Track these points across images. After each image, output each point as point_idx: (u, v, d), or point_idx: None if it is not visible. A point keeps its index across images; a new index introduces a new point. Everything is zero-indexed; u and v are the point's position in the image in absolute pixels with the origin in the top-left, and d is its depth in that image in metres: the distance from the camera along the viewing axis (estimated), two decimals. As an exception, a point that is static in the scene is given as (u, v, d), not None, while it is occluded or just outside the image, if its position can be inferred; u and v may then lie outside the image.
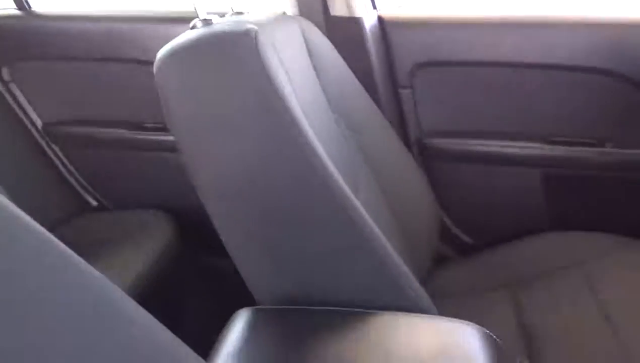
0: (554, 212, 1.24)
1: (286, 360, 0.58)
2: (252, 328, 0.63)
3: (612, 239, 1.12)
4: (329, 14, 1.11)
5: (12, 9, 1.36)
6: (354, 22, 1.11)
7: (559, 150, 1.21)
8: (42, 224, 0.32)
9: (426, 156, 1.28)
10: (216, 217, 0.68)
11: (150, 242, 1.20)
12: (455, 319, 0.62)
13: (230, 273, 0.75)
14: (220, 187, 0.66)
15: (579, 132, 1.20)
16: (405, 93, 1.24)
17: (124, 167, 1.41)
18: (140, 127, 1.38)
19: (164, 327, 0.39)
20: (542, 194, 1.24)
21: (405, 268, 0.67)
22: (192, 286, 1.29)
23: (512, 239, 1.22)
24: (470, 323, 0.62)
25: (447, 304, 1.08)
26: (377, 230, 0.65)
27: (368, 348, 0.58)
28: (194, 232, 1.18)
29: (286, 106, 0.61)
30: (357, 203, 0.65)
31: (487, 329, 0.96)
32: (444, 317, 0.64)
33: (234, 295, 0.73)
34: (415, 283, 0.68)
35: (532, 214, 1.26)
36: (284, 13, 1.07)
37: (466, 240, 1.33)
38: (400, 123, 1.27)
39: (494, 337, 0.61)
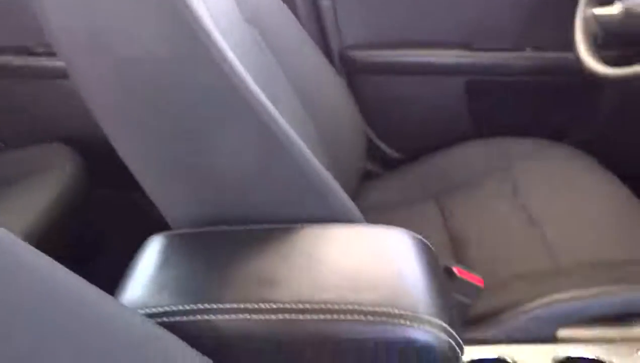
0: (478, 119, 1.24)
1: (205, 284, 0.52)
2: (166, 254, 0.57)
3: (534, 143, 1.13)
4: None
5: None
6: None
7: (482, 57, 1.19)
8: None
9: (349, 69, 1.22)
10: (119, 143, 0.60)
11: (52, 179, 1.08)
12: (385, 226, 0.59)
13: (144, 205, 0.67)
14: (118, 107, 0.57)
15: (501, 38, 1.19)
16: (325, 4, 1.18)
17: (15, 99, 1.26)
18: (29, 52, 1.22)
19: (64, 269, 0.33)
20: (466, 102, 1.23)
21: (331, 180, 0.62)
22: (103, 222, 1.20)
23: (437, 150, 1.21)
24: (401, 228, 0.58)
25: (375, 218, 1.06)
26: (299, 140, 0.59)
27: (296, 262, 0.53)
28: (101, 164, 1.07)
29: (192, 13, 0.51)
30: (276, 112, 0.58)
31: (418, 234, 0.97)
32: (374, 225, 0.60)
33: (150, 229, 0.65)
34: (343, 195, 0.64)
35: (457, 123, 1.25)
36: None
37: (393, 154, 1.31)
38: (320, 35, 1.21)
39: (425, 240, 0.58)
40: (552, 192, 1.00)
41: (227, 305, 0.48)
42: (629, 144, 1.24)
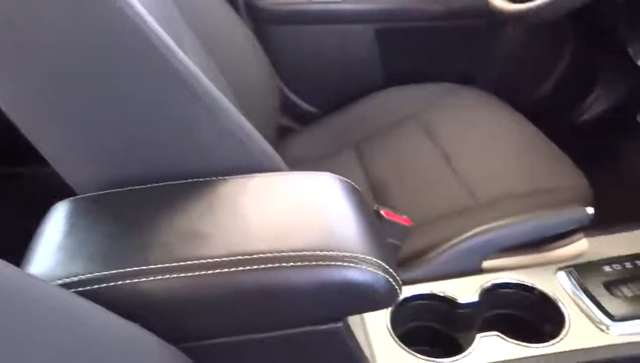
0: (390, 67, 1.24)
1: (124, 247, 0.47)
2: (75, 219, 0.51)
3: (446, 87, 1.15)
4: None
5: None
6: None
7: (391, 3, 1.19)
8: None
9: (257, 20, 1.17)
10: (8, 107, 0.52)
11: None
12: (312, 172, 0.56)
13: (44, 178, 0.60)
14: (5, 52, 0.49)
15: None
16: (227, -50, 1.10)
17: None
18: None
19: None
20: (377, 51, 1.22)
21: (250, 127, 0.59)
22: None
23: (352, 101, 1.20)
24: (327, 173, 0.56)
25: (297, 169, 1.04)
26: (211, 86, 0.54)
27: (224, 215, 0.50)
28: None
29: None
30: (185, 57, 0.53)
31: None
32: (299, 172, 0.57)
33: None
34: (265, 142, 0.61)
35: (370, 73, 1.25)
36: None
37: (308, 109, 1.28)
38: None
39: (353, 183, 0.56)
40: (465, 132, 1.03)
41: (152, 267, 0.44)
42: (526, 81, 1.31)
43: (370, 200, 0.92)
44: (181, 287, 0.44)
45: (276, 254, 0.45)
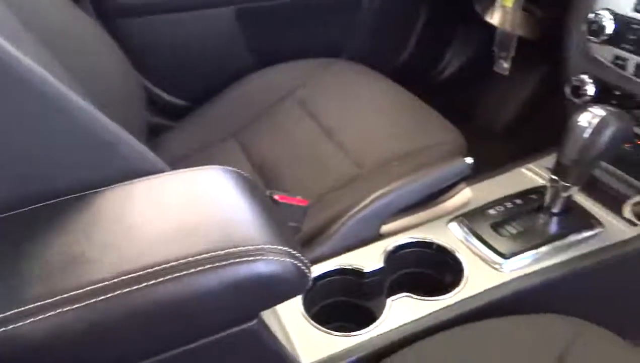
0: (257, 49, 1.21)
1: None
2: None
3: (316, 62, 1.15)
4: None
5: None
6: None
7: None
8: None
9: (105, 14, 1.07)
10: None
11: None
12: (197, 168, 0.53)
13: None
14: None
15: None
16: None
17: None
18: None
19: None
20: (240, 33, 1.18)
21: (121, 130, 0.53)
22: None
23: (223, 88, 1.16)
24: (212, 166, 0.53)
25: (177, 167, 0.99)
26: (66, 90, 0.48)
27: (107, 231, 0.44)
28: None
29: None
30: (30, 61, 0.46)
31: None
32: (182, 170, 0.53)
33: None
34: (138, 145, 0.55)
35: (238, 57, 1.21)
36: None
37: (179, 103, 1.21)
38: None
39: (241, 171, 0.54)
40: (342, 104, 1.04)
41: (31, 306, 0.38)
42: (389, 47, 1.35)
43: (261, 186, 0.90)
44: (71, 322, 0.38)
45: (173, 264, 0.41)
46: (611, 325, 0.57)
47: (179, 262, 0.41)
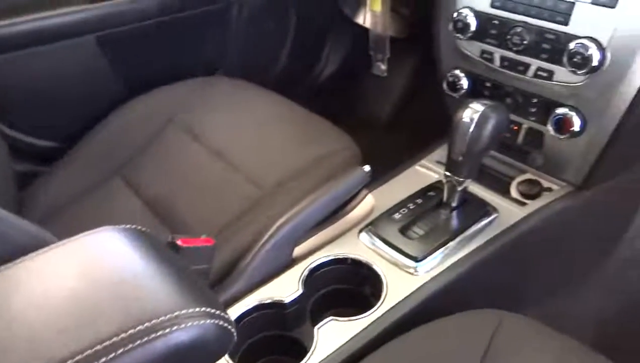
0: (128, 76, 1.13)
1: None
2: None
3: (194, 82, 1.10)
4: None
5: None
6: None
7: (104, 8, 1.07)
8: None
9: None
10: None
11: None
12: (86, 233, 0.47)
13: None
14: None
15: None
16: None
17: None
18: None
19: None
20: (106, 62, 1.10)
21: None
22: None
23: (96, 123, 1.07)
24: (103, 229, 0.48)
25: (60, 218, 0.90)
26: None
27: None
28: None
29: None
30: None
31: (119, 221, 0.86)
32: (69, 239, 0.47)
33: None
34: (10, 216, 0.49)
35: (106, 87, 1.12)
36: None
37: (48, 145, 1.10)
38: None
39: (134, 227, 0.49)
40: (228, 123, 1.00)
41: None
42: (265, 58, 1.34)
43: (157, 225, 0.84)
44: None
45: (79, 357, 0.36)
46: (521, 307, 0.60)
47: (85, 353, 0.36)
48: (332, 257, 0.69)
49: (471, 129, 0.66)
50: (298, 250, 0.71)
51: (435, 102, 0.89)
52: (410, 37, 1.13)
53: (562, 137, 0.72)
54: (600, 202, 0.79)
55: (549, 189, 0.79)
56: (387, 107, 1.42)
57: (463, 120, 0.66)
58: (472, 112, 0.66)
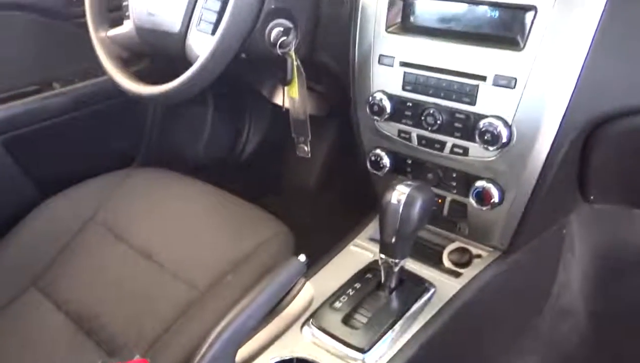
0: (38, 177, 1.07)
1: None
2: None
3: (112, 177, 1.06)
4: None
5: None
6: None
7: (10, 109, 1.02)
8: None
9: None
10: None
11: None
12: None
13: None
14: None
15: (17, 82, 1.04)
16: None
17: None
18: None
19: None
20: (12, 164, 1.04)
21: None
22: None
23: (7, 230, 1.00)
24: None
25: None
26: None
27: None
28: None
29: None
30: None
31: (38, 340, 0.79)
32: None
33: None
34: None
35: (15, 192, 1.06)
36: None
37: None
38: None
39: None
40: (152, 218, 0.96)
41: None
42: (184, 143, 1.32)
43: (85, 345, 0.78)
44: None
45: None
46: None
47: None
48: (278, 359, 0.66)
49: (400, 212, 0.67)
50: (241, 354, 0.67)
51: (358, 174, 0.90)
52: (329, 113, 1.16)
53: (484, 208, 0.75)
54: (526, 263, 0.83)
55: (479, 256, 0.81)
56: (313, 176, 1.43)
57: (391, 203, 0.67)
58: (398, 194, 0.68)
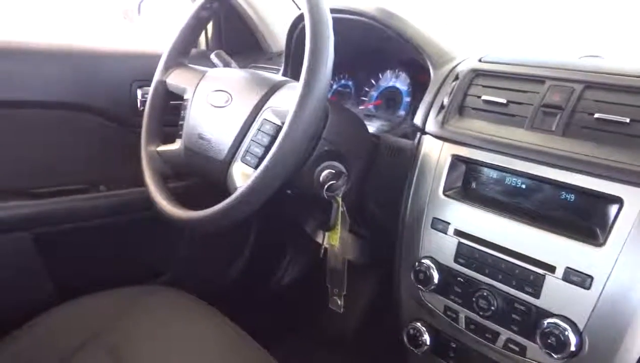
0: (59, 279, 1.02)
1: None
2: None
3: (132, 291, 0.99)
4: None
5: None
6: None
7: (48, 204, 1.00)
8: None
9: None
10: None
11: None
12: None
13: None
14: None
15: (67, 179, 1.04)
16: None
17: None
18: None
19: None
20: (40, 261, 1.00)
21: None
22: None
23: (21, 324, 0.93)
24: None
25: None
26: None
27: None
28: None
29: None
30: None
31: None
32: None
33: None
34: None
35: (34, 289, 1.01)
36: None
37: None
38: None
39: None
40: (163, 348, 0.87)
41: None
42: (218, 266, 1.25)
43: None
44: None
45: None
46: None
47: None
48: None
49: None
50: None
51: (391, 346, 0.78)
52: (372, 262, 1.06)
53: None
54: None
55: None
56: (349, 322, 1.30)
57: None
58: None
